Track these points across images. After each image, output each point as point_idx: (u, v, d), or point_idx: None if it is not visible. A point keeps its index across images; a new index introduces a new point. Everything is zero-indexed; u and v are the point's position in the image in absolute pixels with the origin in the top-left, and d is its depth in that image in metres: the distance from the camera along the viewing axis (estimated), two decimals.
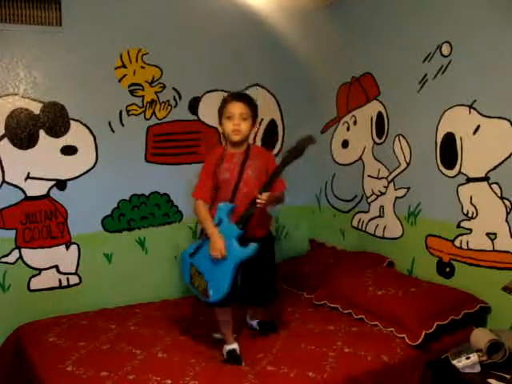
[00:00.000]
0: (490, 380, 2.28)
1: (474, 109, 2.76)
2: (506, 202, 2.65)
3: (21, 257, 3.04)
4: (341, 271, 3.22)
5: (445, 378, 2.45)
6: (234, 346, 2.52)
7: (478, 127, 2.75)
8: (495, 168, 2.68)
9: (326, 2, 3.58)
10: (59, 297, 3.14)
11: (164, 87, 3.34)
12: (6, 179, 2.97)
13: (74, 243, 3.17)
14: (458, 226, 2.89)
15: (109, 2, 3.14)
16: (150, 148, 3.34)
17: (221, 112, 2.56)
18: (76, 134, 3.12)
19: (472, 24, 2.74)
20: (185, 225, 3.46)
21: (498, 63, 2.63)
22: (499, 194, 2.67)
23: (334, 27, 3.62)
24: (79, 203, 3.14)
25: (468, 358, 2.34)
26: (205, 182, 2.58)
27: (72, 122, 3.10)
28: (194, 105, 3.44)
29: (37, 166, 3.03)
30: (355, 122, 3.57)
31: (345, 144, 3.68)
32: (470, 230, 2.83)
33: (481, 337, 2.42)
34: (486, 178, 2.73)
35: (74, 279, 3.19)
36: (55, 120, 3.06)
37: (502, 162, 2.64)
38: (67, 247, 3.16)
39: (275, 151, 3.73)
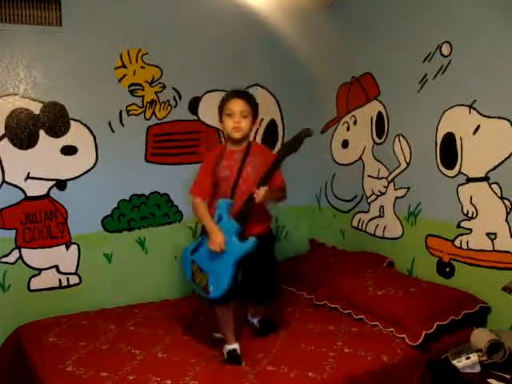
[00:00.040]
0: (489, 380, 2.28)
1: (474, 109, 2.75)
2: (506, 202, 2.65)
3: (21, 257, 3.04)
4: (341, 271, 3.22)
5: (445, 378, 2.45)
6: (235, 345, 2.52)
7: (478, 127, 2.75)
8: (495, 168, 2.68)
9: (326, 1, 3.58)
10: (59, 297, 3.14)
11: (164, 87, 3.34)
12: (6, 179, 2.97)
13: (74, 243, 3.17)
14: (458, 225, 2.89)
15: (109, 2, 3.14)
16: (150, 148, 3.34)
17: (221, 109, 2.56)
18: (76, 134, 3.12)
19: (472, 24, 2.74)
20: (185, 225, 3.46)
21: (497, 63, 2.63)
22: (499, 194, 2.67)
23: (334, 27, 3.62)
24: (79, 203, 3.14)
25: (468, 358, 2.34)
26: (203, 180, 2.58)
27: (72, 121, 3.10)
28: (194, 105, 3.45)
29: (37, 166, 3.03)
30: (355, 122, 3.57)
31: (345, 144, 3.68)
32: (470, 229, 2.83)
33: (481, 337, 2.42)
34: (485, 178, 2.73)
35: (73, 279, 3.19)
36: (55, 120, 3.06)
37: (502, 162, 2.64)
38: (67, 247, 3.16)
39: (275, 151, 3.72)
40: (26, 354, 2.61)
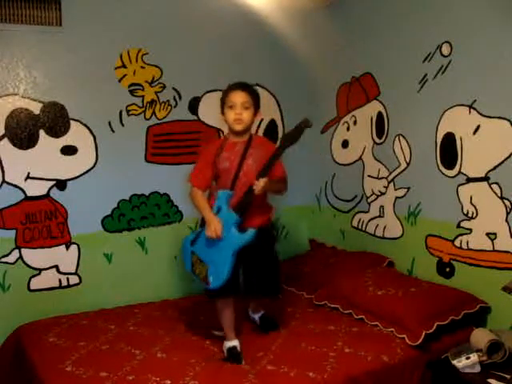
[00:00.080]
0: (489, 380, 2.27)
1: (474, 109, 2.75)
2: (506, 202, 2.65)
3: (21, 257, 3.04)
4: (341, 271, 3.22)
5: (445, 378, 2.45)
6: (235, 342, 2.52)
7: (478, 127, 2.75)
8: (495, 168, 2.68)
9: (326, 1, 3.58)
10: (59, 297, 3.14)
11: (164, 87, 3.34)
12: (6, 179, 2.97)
13: (74, 243, 3.17)
14: (458, 225, 2.89)
15: (109, 2, 3.14)
16: (150, 148, 3.34)
17: (223, 101, 2.57)
18: (76, 134, 3.12)
19: (472, 24, 2.74)
20: (185, 225, 3.46)
21: (497, 63, 2.63)
22: (499, 194, 2.67)
23: (334, 27, 3.62)
24: (79, 203, 3.14)
25: (468, 358, 2.34)
26: (200, 170, 2.59)
27: (72, 121, 3.10)
28: (194, 105, 3.45)
29: (37, 166, 3.03)
30: (355, 122, 3.57)
31: (345, 144, 3.68)
32: (470, 229, 2.83)
33: (481, 337, 2.42)
34: (485, 178, 2.73)
35: (73, 279, 3.19)
36: (55, 120, 3.06)
37: (502, 162, 2.64)
38: (67, 247, 3.16)
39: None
40: (26, 354, 2.61)
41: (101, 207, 3.23)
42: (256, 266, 2.59)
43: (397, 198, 3.29)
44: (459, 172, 2.87)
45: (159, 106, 3.33)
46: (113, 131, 3.22)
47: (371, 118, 3.42)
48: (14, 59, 2.95)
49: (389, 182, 3.33)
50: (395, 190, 3.29)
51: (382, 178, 3.37)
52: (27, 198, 3.03)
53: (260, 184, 2.38)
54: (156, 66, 3.30)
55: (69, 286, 3.17)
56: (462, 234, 2.88)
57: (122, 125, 3.24)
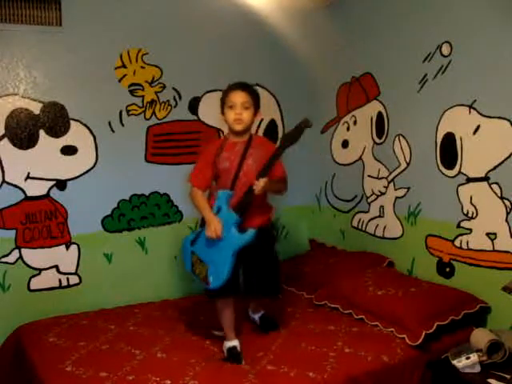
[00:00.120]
0: (489, 380, 2.27)
1: (474, 109, 2.75)
2: (506, 201, 2.65)
3: (21, 257, 3.04)
4: (341, 271, 3.22)
5: (445, 378, 2.45)
6: (235, 342, 2.52)
7: (478, 127, 2.75)
8: (495, 168, 2.68)
9: (326, 1, 3.58)
10: (59, 297, 3.14)
11: (164, 87, 3.34)
12: (6, 179, 2.97)
13: (74, 243, 3.17)
14: (458, 225, 2.89)
15: (109, 2, 3.14)
16: (150, 148, 3.34)
17: (223, 101, 2.57)
18: (76, 134, 3.12)
19: (472, 24, 2.74)
20: (185, 225, 3.46)
21: (497, 63, 2.63)
22: (499, 194, 2.67)
23: (334, 27, 3.62)
24: (79, 203, 3.14)
25: (468, 358, 2.34)
26: (200, 170, 2.59)
27: (72, 121, 3.10)
28: (194, 105, 3.45)
29: (37, 166, 3.03)
30: (355, 122, 3.57)
31: (345, 144, 3.68)
32: (470, 229, 2.83)
33: (481, 337, 2.42)
34: (485, 178, 2.73)
35: (73, 279, 3.19)
36: (55, 120, 3.06)
37: (502, 162, 2.64)
38: (67, 247, 3.16)
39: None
40: (26, 354, 2.61)
41: (101, 207, 3.23)
42: (256, 266, 2.59)
43: (397, 197, 3.29)
44: (459, 172, 2.87)
45: (159, 106, 3.33)
46: (113, 131, 3.22)
47: (371, 118, 3.42)
48: (14, 59, 2.95)
49: (389, 182, 3.33)
50: (395, 189, 3.29)
51: (382, 177, 3.37)
52: (27, 198, 3.03)
53: (260, 184, 2.38)
54: (156, 66, 3.30)
55: (69, 286, 3.17)
56: (462, 234, 2.88)
57: (122, 125, 3.24)
